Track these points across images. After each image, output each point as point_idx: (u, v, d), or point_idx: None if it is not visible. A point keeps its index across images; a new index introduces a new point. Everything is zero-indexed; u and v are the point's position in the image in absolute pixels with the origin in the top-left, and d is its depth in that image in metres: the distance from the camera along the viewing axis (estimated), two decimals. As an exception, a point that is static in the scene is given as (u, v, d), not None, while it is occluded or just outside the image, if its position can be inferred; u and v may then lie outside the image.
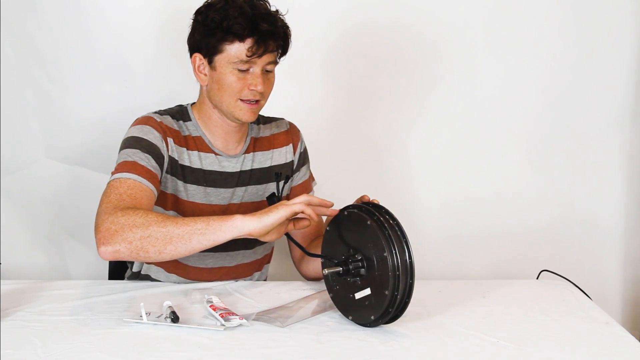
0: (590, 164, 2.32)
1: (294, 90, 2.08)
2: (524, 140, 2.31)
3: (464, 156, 2.30)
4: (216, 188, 1.71)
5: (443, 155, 2.30)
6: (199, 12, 1.61)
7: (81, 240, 2.22)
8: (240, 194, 1.74)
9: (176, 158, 1.66)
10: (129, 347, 1.33)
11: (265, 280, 1.90)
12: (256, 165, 1.75)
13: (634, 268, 2.38)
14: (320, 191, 1.90)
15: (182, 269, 1.73)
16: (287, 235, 1.55)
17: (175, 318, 1.42)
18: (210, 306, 1.48)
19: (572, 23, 2.25)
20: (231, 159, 1.72)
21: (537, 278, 1.86)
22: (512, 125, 2.29)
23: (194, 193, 1.69)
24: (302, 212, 1.43)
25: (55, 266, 2.23)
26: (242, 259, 1.77)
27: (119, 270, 1.92)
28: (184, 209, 1.69)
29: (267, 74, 1.63)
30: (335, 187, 2.01)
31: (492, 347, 1.36)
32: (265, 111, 1.73)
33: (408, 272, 1.37)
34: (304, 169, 1.84)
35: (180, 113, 1.71)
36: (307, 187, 1.85)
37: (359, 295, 1.42)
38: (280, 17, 1.60)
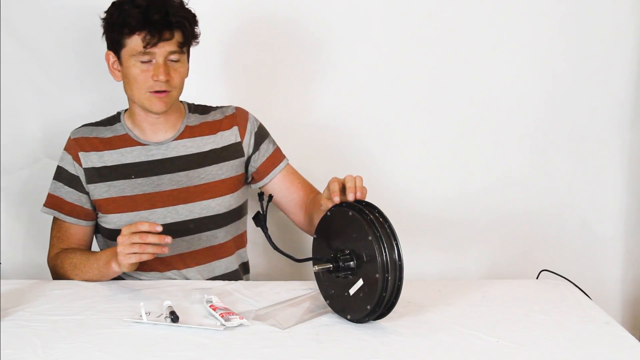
0: (590, 164, 2.32)
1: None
2: (524, 141, 2.30)
3: (463, 156, 2.29)
4: (148, 177, 1.76)
5: (443, 155, 2.29)
6: (106, 12, 1.70)
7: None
8: (178, 179, 1.78)
9: (91, 166, 1.77)
10: (128, 347, 1.33)
11: (245, 264, 1.92)
12: (193, 150, 1.80)
13: (634, 268, 2.37)
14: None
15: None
16: (275, 246, 1.54)
17: (175, 318, 1.42)
18: (210, 306, 1.48)
19: (572, 23, 2.24)
20: (160, 146, 1.79)
21: (537, 278, 1.86)
22: (512, 125, 2.28)
23: (123, 188, 1.76)
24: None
25: (55, 266, 2.23)
26: (198, 243, 1.80)
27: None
28: (120, 205, 1.76)
29: (174, 64, 1.69)
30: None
31: (491, 347, 1.36)
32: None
33: (395, 252, 1.39)
34: (263, 146, 1.86)
35: (109, 119, 1.84)
36: (274, 160, 1.87)
37: (353, 289, 1.42)
38: (177, 7, 1.67)
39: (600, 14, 2.23)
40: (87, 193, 1.78)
